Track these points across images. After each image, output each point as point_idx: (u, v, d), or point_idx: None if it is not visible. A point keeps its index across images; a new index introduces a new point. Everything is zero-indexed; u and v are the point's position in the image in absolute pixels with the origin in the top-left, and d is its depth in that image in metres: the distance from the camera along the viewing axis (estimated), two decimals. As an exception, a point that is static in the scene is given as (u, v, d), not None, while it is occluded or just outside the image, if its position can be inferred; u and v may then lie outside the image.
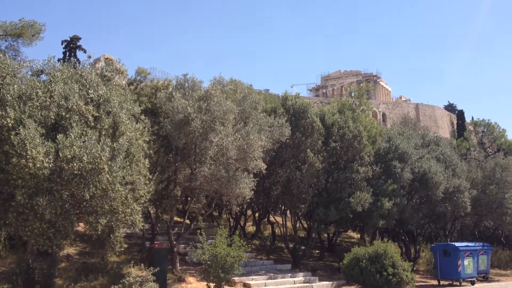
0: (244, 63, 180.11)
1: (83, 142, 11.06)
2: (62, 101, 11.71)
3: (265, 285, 16.88)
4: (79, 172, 10.94)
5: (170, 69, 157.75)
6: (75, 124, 11.42)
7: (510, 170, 25.98)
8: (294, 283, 17.83)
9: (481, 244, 22.77)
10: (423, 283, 20.70)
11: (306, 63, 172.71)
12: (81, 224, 13.41)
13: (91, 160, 10.94)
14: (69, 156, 10.78)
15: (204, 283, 13.85)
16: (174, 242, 16.62)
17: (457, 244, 20.99)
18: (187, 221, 19.03)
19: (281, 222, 21.34)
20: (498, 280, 23.03)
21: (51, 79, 12.27)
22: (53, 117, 11.63)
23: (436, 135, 31.59)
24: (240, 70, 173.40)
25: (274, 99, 23.90)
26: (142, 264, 13.87)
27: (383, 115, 75.25)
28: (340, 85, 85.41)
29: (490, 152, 37.94)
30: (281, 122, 18.08)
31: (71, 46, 46.19)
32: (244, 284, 16.37)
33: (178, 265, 16.42)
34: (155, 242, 16.39)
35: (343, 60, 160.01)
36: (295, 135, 19.07)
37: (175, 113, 15.16)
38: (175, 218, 18.50)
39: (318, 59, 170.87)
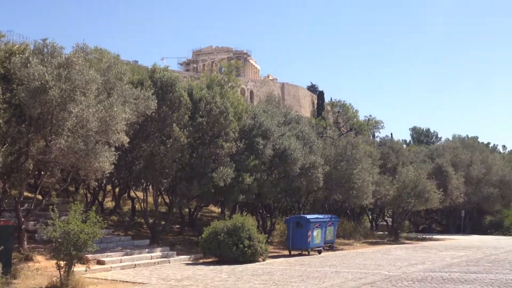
0: (113, 32, 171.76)
1: None
2: None
3: (121, 261, 16.69)
4: None
5: (30, 34, 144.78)
6: None
7: (359, 148, 28.40)
8: (152, 258, 17.91)
9: (329, 216, 24.81)
10: (276, 253, 22.02)
11: (179, 37, 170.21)
12: None
13: None
14: None
15: (54, 262, 13.30)
16: (23, 219, 15.61)
17: (308, 216, 22.56)
18: (39, 197, 17.94)
19: (142, 198, 21.14)
20: (342, 249, 25.33)
21: None
22: None
23: (297, 113, 33.38)
24: (107, 40, 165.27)
25: (142, 71, 23.34)
26: (-17, 244, 12.82)
27: (251, 92, 77.51)
28: (211, 60, 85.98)
29: (344, 131, 41.21)
30: (148, 95, 17.72)
31: None
32: (98, 261, 16.02)
33: (25, 243, 15.49)
34: (0, 219, 15.25)
35: (215, 36, 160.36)
36: (162, 109, 18.88)
37: (30, 80, 14.05)
38: (26, 193, 17.35)
39: (190, 33, 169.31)
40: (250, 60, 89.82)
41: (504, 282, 13.52)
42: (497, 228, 46.00)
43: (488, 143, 70.31)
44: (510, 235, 43.00)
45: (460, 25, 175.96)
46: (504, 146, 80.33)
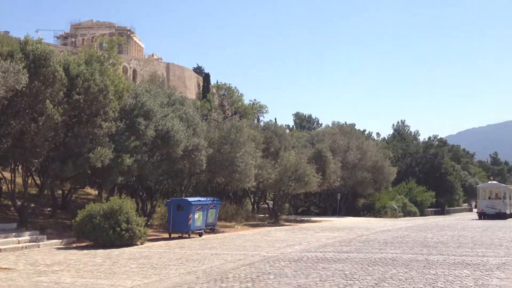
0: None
1: None
2: None
3: (-17, 247, 15.32)
4: None
5: None
6: None
7: (243, 132, 28.61)
8: (19, 243, 16.65)
9: (211, 199, 24.82)
10: (156, 237, 21.56)
11: (56, 9, 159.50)
12: None
13: None
14: None
15: None
16: None
17: (190, 199, 22.34)
18: None
19: (10, 178, 19.53)
20: (223, 232, 25.52)
21: None
22: None
23: (182, 95, 32.86)
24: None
25: (13, 42, 21.40)
26: None
27: (134, 71, 75.01)
28: (91, 35, 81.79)
29: (228, 114, 41.49)
30: (18, 68, 16.27)
31: None
32: (-44, 248, 14.56)
33: None
34: None
35: (97, 10, 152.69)
36: (34, 84, 17.47)
37: None
38: None
39: (69, 6, 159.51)
40: (133, 38, 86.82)
41: (373, 260, 14.43)
42: (369, 210, 49.49)
43: (364, 130, 75.52)
44: (380, 217, 46.50)
45: (344, 15, 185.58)
46: (378, 134, 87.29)
